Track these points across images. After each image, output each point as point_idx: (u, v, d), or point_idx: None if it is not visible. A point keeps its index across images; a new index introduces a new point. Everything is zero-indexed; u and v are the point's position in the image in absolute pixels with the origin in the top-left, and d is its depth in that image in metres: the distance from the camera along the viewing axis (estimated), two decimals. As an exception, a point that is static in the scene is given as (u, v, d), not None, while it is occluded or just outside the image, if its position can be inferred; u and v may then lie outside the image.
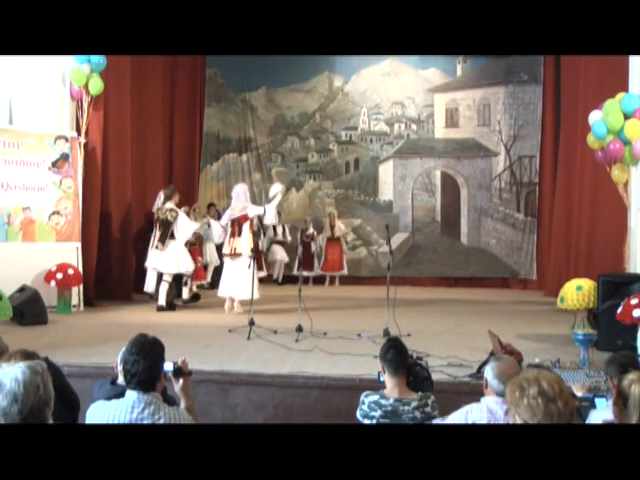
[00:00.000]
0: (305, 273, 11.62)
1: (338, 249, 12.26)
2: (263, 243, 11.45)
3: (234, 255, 8.45)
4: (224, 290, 8.57)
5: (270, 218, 8.81)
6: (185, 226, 8.87)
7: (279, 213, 9.60)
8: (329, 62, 12.57)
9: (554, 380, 2.27)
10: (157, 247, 8.76)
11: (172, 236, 8.78)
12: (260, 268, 10.61)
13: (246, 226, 8.52)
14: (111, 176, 9.63)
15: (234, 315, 8.30)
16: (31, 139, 8.47)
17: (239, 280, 8.35)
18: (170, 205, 8.85)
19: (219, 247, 11.27)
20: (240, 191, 8.69)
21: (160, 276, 8.89)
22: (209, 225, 9.14)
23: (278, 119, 13.01)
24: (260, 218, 9.20)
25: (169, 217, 8.78)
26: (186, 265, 8.88)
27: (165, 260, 8.76)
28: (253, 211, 8.68)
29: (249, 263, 7.90)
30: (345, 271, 12.36)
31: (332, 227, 12.25)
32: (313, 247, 12.17)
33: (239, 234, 8.48)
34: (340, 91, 12.83)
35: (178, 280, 8.99)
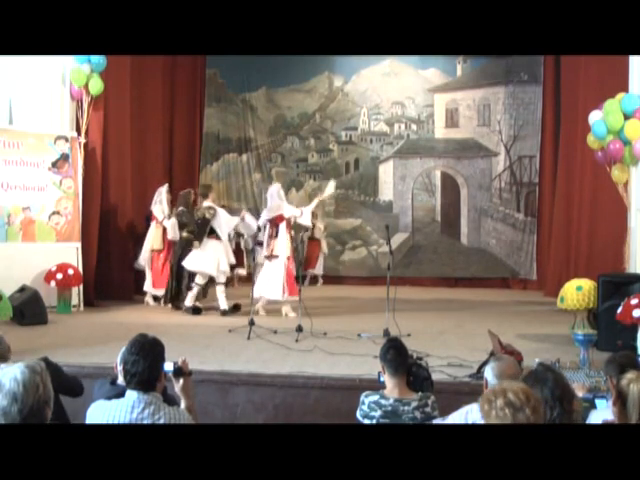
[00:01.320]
0: None
1: (316, 249, 12.14)
2: (247, 242, 11.20)
3: (272, 257, 8.29)
4: (263, 292, 8.31)
5: (307, 220, 8.68)
6: (227, 222, 8.56)
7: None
8: (329, 62, 12.56)
9: (521, 390, 2.27)
10: (195, 246, 8.49)
11: (210, 234, 8.47)
12: (241, 265, 10.60)
13: (282, 226, 8.36)
14: (111, 176, 9.63)
15: (290, 319, 8.03)
16: (31, 139, 8.47)
17: (274, 280, 8.21)
18: (208, 203, 8.57)
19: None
20: (274, 191, 8.50)
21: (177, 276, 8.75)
22: (243, 219, 8.79)
23: (278, 119, 13.00)
24: (295, 218, 8.85)
25: (207, 215, 8.45)
26: (224, 265, 8.57)
27: (204, 260, 8.42)
28: (289, 211, 8.49)
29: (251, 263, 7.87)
30: (318, 271, 12.13)
31: (312, 227, 12.16)
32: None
33: (276, 235, 8.32)
34: (340, 91, 12.82)
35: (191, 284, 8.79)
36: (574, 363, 5.46)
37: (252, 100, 12.92)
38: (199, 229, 8.52)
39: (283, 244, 8.35)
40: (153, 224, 9.35)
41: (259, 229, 8.74)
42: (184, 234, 8.94)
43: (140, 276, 9.71)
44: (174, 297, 8.99)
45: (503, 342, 5.33)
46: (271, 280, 8.26)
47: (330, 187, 8.96)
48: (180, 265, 8.80)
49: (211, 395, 5.12)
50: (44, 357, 3.63)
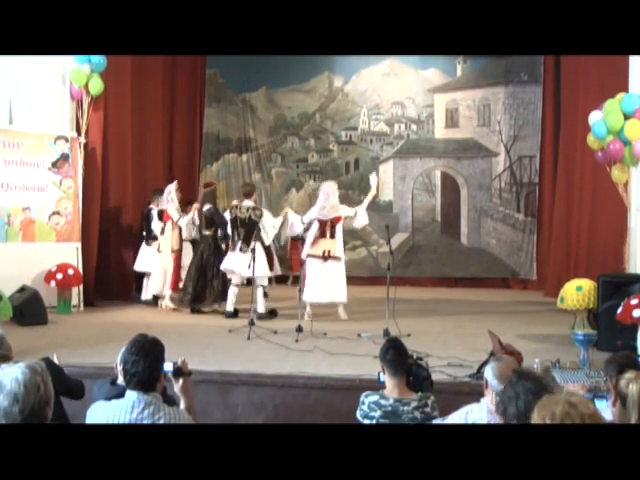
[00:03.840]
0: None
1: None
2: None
3: (329, 257, 8.03)
4: (312, 295, 8.01)
5: (361, 221, 8.47)
6: (273, 224, 8.28)
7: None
8: (329, 62, 12.55)
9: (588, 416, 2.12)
10: (241, 249, 8.08)
11: (257, 237, 8.16)
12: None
13: (339, 227, 8.17)
14: (111, 176, 9.63)
15: (342, 321, 7.98)
16: (31, 139, 8.47)
17: (337, 283, 8.03)
18: (251, 203, 8.31)
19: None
20: (330, 190, 8.26)
21: (202, 278, 8.46)
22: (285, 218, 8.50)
23: (278, 119, 12.99)
24: (349, 220, 8.57)
25: (253, 216, 8.16)
26: (264, 269, 8.26)
27: (244, 263, 7.96)
28: (345, 212, 8.32)
29: (248, 263, 7.74)
30: None
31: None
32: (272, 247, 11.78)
33: (332, 235, 8.07)
34: (340, 91, 12.81)
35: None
36: (574, 363, 5.46)
37: (252, 100, 12.91)
38: (246, 231, 8.15)
39: (341, 246, 8.19)
40: (168, 225, 8.94)
41: (306, 228, 8.31)
42: (206, 232, 8.56)
43: (135, 278, 9.66)
44: (195, 299, 8.53)
45: (503, 342, 5.33)
46: (333, 282, 8.02)
47: (373, 181, 8.70)
48: (205, 266, 8.49)
49: (211, 395, 5.12)
50: (45, 357, 3.63)
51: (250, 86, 12.86)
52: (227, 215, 8.43)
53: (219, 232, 8.61)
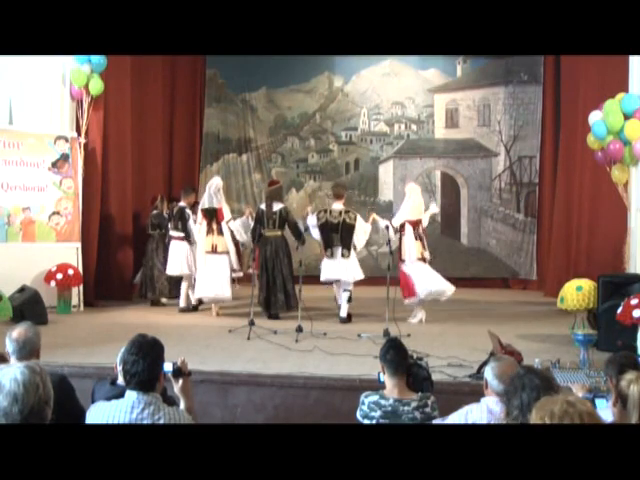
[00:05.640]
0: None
1: None
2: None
3: (424, 259, 8.10)
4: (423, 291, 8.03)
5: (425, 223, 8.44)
6: (364, 229, 7.95)
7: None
8: (329, 62, 12.55)
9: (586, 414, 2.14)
10: (343, 255, 7.81)
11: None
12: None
13: (420, 229, 8.19)
14: (111, 176, 9.63)
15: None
16: (31, 139, 8.47)
17: (435, 279, 8.12)
18: (341, 206, 7.94)
19: None
20: (416, 191, 8.22)
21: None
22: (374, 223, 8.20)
23: (278, 119, 13.00)
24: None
25: (348, 220, 7.83)
26: (360, 273, 8.10)
27: (345, 269, 7.90)
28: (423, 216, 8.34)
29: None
30: None
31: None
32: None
33: (420, 238, 8.09)
34: (340, 91, 12.81)
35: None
36: (574, 363, 5.47)
37: (252, 100, 12.91)
38: (344, 236, 7.83)
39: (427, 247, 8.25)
40: (223, 224, 8.27)
41: (396, 231, 8.09)
42: (278, 232, 8.08)
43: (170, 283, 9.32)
44: (274, 305, 8.11)
45: (503, 342, 5.33)
46: (433, 278, 8.10)
47: (433, 208, 8.88)
48: (274, 269, 8.02)
49: (211, 395, 5.12)
50: (63, 375, 3.62)
51: (250, 86, 12.86)
52: (312, 220, 8.03)
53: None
